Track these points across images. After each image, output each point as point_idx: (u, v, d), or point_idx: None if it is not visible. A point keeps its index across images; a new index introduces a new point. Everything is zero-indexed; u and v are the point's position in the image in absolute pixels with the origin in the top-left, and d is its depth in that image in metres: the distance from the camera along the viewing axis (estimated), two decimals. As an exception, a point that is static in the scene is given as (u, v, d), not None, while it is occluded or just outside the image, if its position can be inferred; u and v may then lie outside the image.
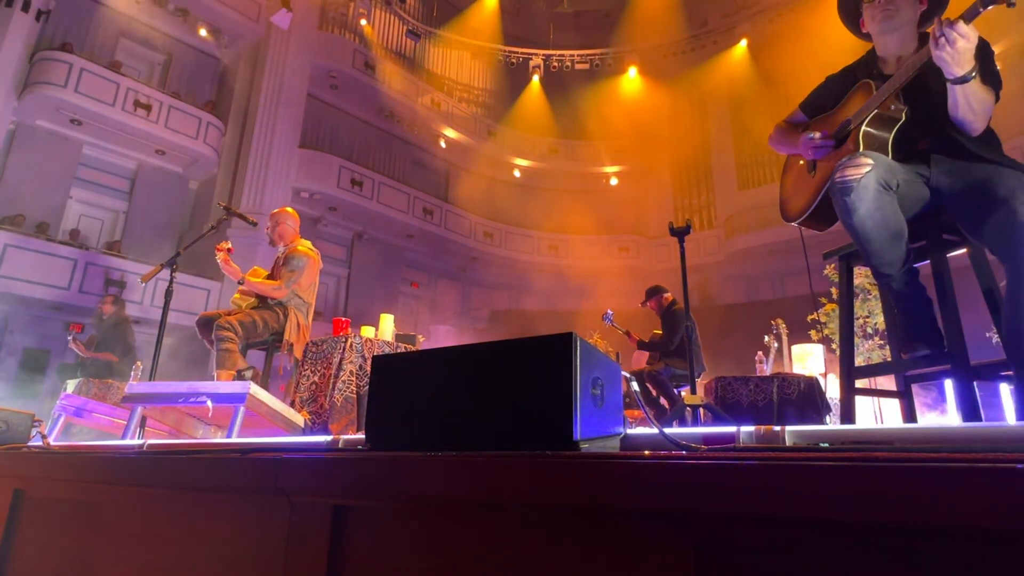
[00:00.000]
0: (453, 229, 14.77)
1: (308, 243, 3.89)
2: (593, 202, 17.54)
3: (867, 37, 1.95)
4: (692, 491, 0.71)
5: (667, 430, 0.98)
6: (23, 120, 9.66)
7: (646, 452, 0.81)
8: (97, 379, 5.20)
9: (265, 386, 3.44)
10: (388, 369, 1.21)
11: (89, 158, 10.50)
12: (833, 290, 6.91)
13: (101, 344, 5.86)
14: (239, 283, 3.57)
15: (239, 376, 3.35)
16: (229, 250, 3.62)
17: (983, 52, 1.62)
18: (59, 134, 10.00)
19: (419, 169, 15.41)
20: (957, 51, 1.49)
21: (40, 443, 2.12)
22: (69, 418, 3.28)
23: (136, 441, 1.82)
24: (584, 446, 0.87)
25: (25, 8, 9.39)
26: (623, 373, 1.08)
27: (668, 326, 4.61)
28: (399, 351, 3.50)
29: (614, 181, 17.50)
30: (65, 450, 1.72)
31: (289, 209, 4.00)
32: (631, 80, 17.10)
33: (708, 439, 1.05)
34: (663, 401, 4.77)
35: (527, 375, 0.93)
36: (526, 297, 16.72)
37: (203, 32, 11.56)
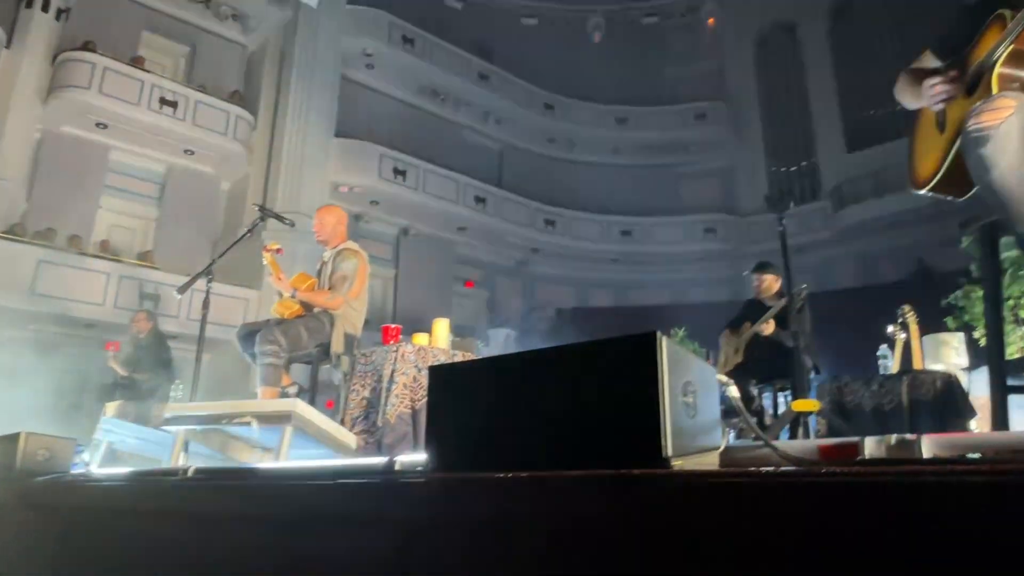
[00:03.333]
0: (510, 218, 14.83)
1: (356, 244, 3.99)
2: (671, 177, 17.22)
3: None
4: (810, 515, 0.68)
5: (776, 442, 0.96)
6: (49, 127, 10.39)
7: (751, 469, 0.79)
8: (136, 401, 5.55)
9: (312, 403, 3.56)
10: (446, 381, 1.23)
11: (117, 163, 11.18)
12: (973, 267, 6.50)
13: (138, 364, 6.23)
14: (291, 296, 3.68)
15: (284, 394, 3.48)
16: (278, 251, 3.72)
17: None
18: (85, 140, 10.70)
19: (469, 152, 15.55)
20: None
21: (83, 471, 2.28)
22: (111, 443, 3.51)
23: (181, 466, 1.93)
24: (676, 463, 0.86)
25: (45, 8, 10.10)
26: (719, 377, 1.05)
27: (793, 317, 4.41)
28: (456, 360, 3.56)
29: (695, 150, 17.12)
30: (108, 478, 1.84)
31: (337, 206, 4.12)
32: (708, 31, 16.66)
33: (825, 452, 1.01)
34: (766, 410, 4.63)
35: (606, 383, 0.93)
36: (597, 292, 16.60)
37: (228, 18, 12.08)
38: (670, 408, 0.87)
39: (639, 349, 0.90)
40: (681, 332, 7.17)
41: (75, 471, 2.32)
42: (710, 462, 1.00)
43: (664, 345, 0.89)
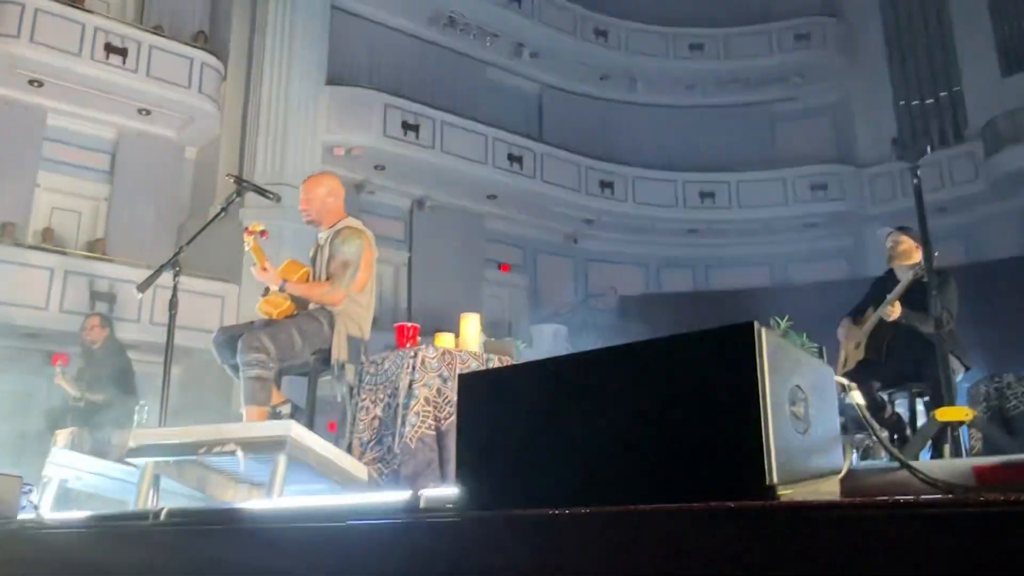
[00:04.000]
0: (555, 181, 14.80)
1: (357, 222, 4.04)
2: (765, 119, 16.93)
3: None
4: (964, 558, 0.67)
5: (916, 463, 0.94)
6: (-27, 89, 10.72)
7: (883, 499, 0.78)
8: (92, 427, 5.73)
9: (310, 425, 3.63)
10: (480, 393, 1.23)
11: (56, 130, 11.46)
12: None
13: (93, 381, 6.43)
14: (279, 290, 3.76)
15: (274, 414, 3.55)
16: (263, 233, 3.81)
17: None
18: (17, 102, 10.99)
19: (499, 97, 15.53)
20: None
21: (32, 515, 2.37)
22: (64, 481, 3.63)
23: (150, 508, 1.99)
24: (784, 493, 0.86)
25: (-40, -62, 10.38)
26: (837, 379, 1.04)
27: (933, 297, 4.33)
28: (492, 366, 3.57)
29: (797, 83, 16.78)
30: (64, 524, 1.91)
31: (330, 175, 4.17)
32: (812, -77, 16.30)
33: (983, 474, 0.99)
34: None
35: (688, 390, 0.93)
36: (671, 273, 16.49)
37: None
38: (774, 421, 0.86)
39: (731, 346, 0.90)
40: (784, 322, 7.07)
41: (23, 516, 2.41)
42: (829, 490, 0.99)
43: (764, 339, 0.89)
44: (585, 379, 1.07)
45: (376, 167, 13.34)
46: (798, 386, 0.95)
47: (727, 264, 16.15)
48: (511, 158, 14.28)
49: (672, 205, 15.93)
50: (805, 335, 6.97)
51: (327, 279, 3.83)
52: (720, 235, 16.08)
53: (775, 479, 0.86)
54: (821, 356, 6.15)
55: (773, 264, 15.89)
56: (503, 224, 15.26)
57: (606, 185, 15.48)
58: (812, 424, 0.97)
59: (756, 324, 0.88)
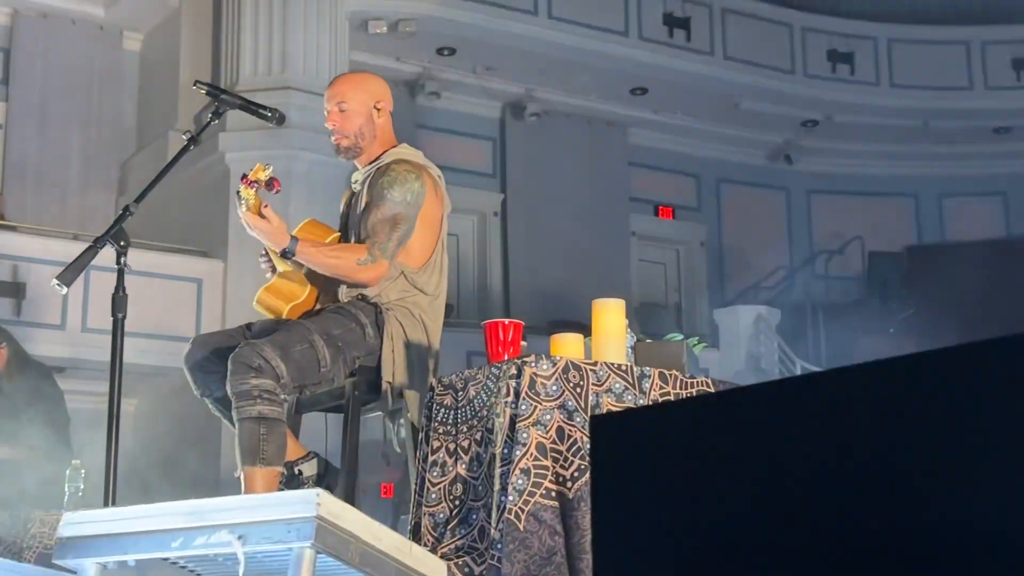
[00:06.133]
0: (746, 55, 14.53)
1: (415, 152, 4.11)
2: None
3: None
4: None
5: None
6: None
7: None
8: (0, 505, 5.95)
9: (351, 495, 3.69)
10: (630, 445, 1.26)
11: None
12: None
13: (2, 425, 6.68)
14: (283, 255, 3.80)
15: (292, 478, 3.63)
16: (271, 183, 3.72)
17: None
18: None
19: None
20: None
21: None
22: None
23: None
24: None
25: None
26: None
27: None
28: (649, 386, 3.54)
29: None
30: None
31: (371, 75, 4.22)
32: None
33: None
34: None
35: (979, 441, 0.93)
36: (964, 208, 16.06)
37: None
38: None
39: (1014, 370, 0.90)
40: None
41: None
42: None
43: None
44: (809, 420, 1.07)
45: (441, 51, 13.38)
46: None
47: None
48: (670, 21, 14.12)
49: (962, 86, 15.52)
50: None
51: (364, 241, 3.88)
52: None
53: None
54: None
55: None
56: (660, 138, 15.15)
57: (840, 58, 15.15)
58: None
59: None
